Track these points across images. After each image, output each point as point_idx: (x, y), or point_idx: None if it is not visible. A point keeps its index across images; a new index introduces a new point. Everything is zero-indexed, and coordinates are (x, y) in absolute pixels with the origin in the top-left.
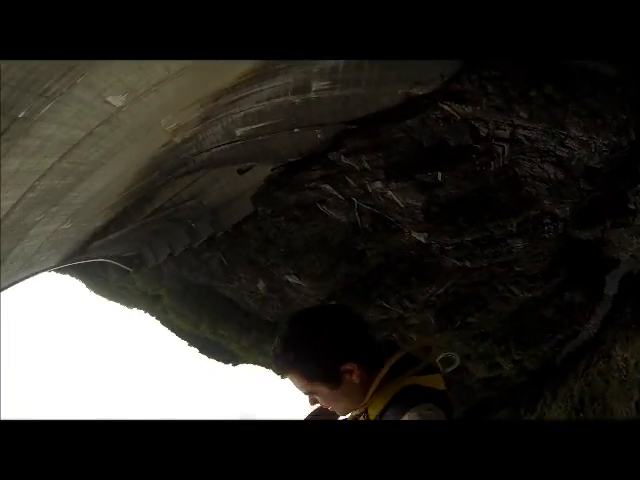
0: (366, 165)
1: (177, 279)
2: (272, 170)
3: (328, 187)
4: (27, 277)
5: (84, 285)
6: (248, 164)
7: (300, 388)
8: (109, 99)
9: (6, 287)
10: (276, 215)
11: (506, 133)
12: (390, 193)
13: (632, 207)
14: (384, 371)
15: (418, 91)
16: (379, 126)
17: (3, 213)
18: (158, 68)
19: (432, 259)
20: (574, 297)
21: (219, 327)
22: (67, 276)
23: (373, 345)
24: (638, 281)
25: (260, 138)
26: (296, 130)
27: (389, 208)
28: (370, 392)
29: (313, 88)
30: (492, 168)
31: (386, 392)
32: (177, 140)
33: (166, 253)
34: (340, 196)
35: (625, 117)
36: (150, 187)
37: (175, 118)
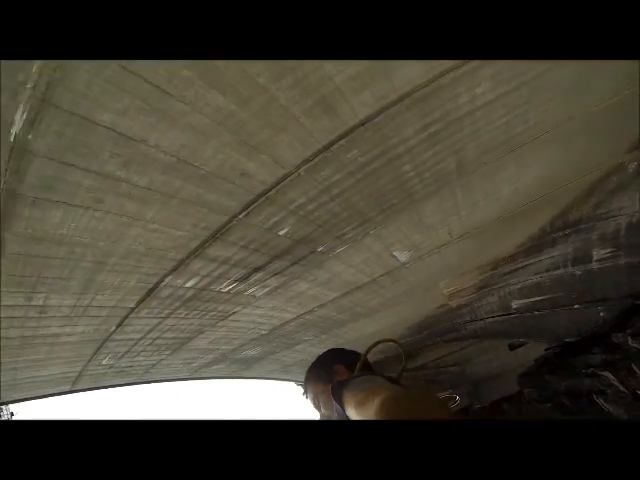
0: None
1: None
2: (546, 350)
3: (609, 375)
4: (279, 379)
5: None
6: (521, 340)
7: (312, 399)
8: (395, 253)
9: (258, 378)
10: (542, 400)
11: None
12: None
13: None
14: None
15: None
16: None
17: (280, 322)
18: (442, 232)
19: None
20: None
21: None
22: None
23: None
24: None
25: (536, 313)
26: (576, 306)
27: None
28: None
29: (594, 257)
30: None
31: None
32: (453, 304)
33: None
34: (622, 387)
35: None
36: (417, 344)
37: (453, 282)
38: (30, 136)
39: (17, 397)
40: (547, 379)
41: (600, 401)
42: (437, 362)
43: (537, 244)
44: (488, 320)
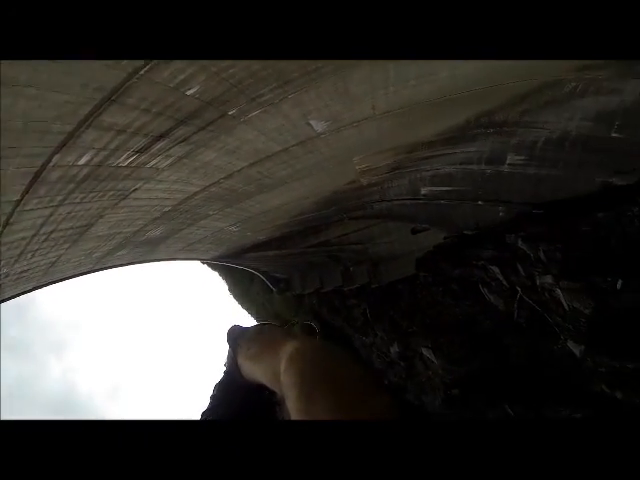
0: (542, 255)
1: (314, 314)
2: (444, 238)
3: (495, 270)
4: (184, 259)
5: (227, 287)
6: (423, 226)
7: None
8: (312, 122)
9: (165, 260)
10: (435, 284)
11: None
12: (558, 292)
13: None
14: None
15: (618, 181)
16: (566, 215)
17: (185, 196)
18: (365, 105)
19: (580, 378)
20: None
21: None
22: (216, 274)
23: None
24: None
25: (442, 202)
26: (480, 202)
27: (551, 308)
28: None
29: (508, 161)
30: None
31: None
32: (363, 182)
33: (314, 287)
34: (505, 282)
35: None
36: (322, 219)
37: (367, 159)
38: None
39: None
40: (442, 266)
41: (484, 291)
42: (341, 239)
43: (457, 136)
44: (395, 202)
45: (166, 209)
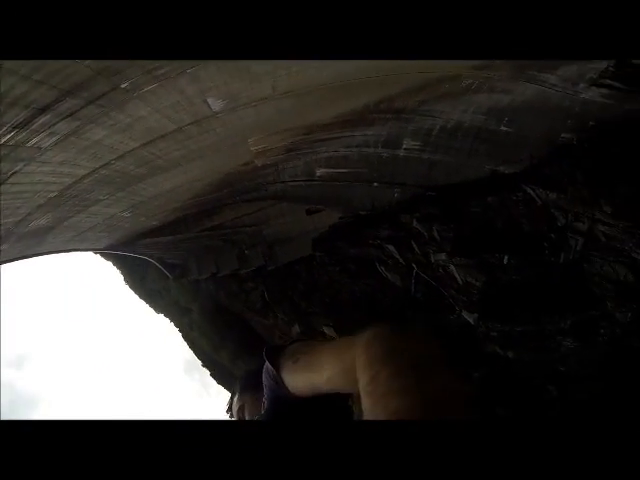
0: (435, 234)
1: (213, 299)
2: (340, 218)
3: (392, 248)
4: (75, 250)
5: (122, 277)
6: (318, 206)
7: (236, 412)
8: (209, 100)
9: (54, 252)
10: (332, 264)
11: (584, 226)
12: (452, 267)
13: None
14: None
15: (505, 169)
16: (458, 198)
17: (72, 180)
18: (266, 85)
19: (475, 342)
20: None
21: (239, 358)
22: (110, 263)
23: None
24: None
25: (338, 184)
26: (375, 184)
27: (446, 283)
28: None
29: (404, 145)
30: (561, 260)
31: None
32: (258, 163)
33: (210, 271)
34: (401, 260)
35: None
36: (216, 202)
37: (263, 140)
38: None
39: None
40: (338, 245)
41: (382, 269)
42: (235, 222)
43: (356, 119)
44: (290, 183)
45: (52, 195)
